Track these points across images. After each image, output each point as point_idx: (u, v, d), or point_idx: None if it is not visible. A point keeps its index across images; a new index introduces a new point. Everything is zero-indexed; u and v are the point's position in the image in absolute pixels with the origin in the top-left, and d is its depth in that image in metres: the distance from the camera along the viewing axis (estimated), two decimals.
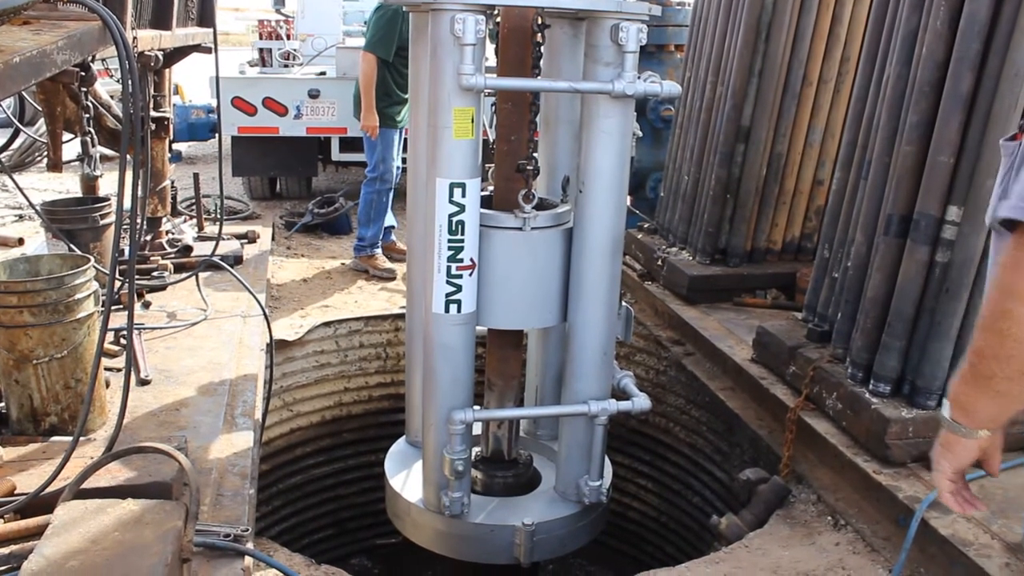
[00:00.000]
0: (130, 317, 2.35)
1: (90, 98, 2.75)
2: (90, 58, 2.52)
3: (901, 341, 3.25)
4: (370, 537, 5.34)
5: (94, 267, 2.93)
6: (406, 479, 3.33)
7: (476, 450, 3.30)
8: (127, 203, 2.18)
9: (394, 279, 6.04)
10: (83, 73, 2.65)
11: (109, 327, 3.38)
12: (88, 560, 1.85)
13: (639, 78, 2.68)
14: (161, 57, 3.52)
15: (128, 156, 1.99)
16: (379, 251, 6.30)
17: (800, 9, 4.73)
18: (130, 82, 1.87)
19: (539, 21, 2.92)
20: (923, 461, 3.13)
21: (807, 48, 4.77)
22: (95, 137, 2.86)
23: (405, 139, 6.05)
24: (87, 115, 2.76)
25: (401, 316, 5.14)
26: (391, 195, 6.30)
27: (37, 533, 2.22)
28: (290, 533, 4.95)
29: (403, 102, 5.96)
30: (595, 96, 2.73)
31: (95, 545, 1.90)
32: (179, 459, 2.12)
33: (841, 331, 3.62)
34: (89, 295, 2.86)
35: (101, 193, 4.46)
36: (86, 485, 2.29)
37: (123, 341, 3.46)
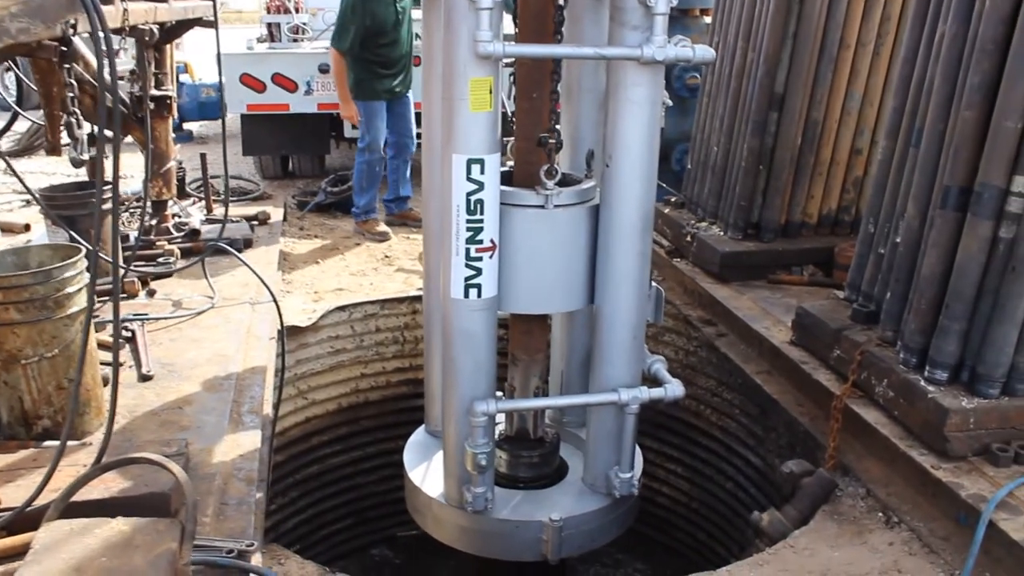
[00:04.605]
0: (115, 311, 2.15)
1: (73, 76, 2.55)
2: (71, 32, 2.32)
3: (960, 324, 3.02)
4: (391, 527, 5.22)
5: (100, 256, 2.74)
6: (426, 472, 3.23)
7: (500, 428, 3.17)
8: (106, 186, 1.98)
9: (388, 240, 6.26)
10: (63, 48, 2.46)
11: (104, 320, 3.23)
12: None
13: (669, 43, 2.53)
14: (157, 31, 3.31)
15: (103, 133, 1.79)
16: (375, 216, 6.49)
17: None
18: (105, 58, 1.66)
19: None
20: (985, 455, 2.92)
21: (844, 9, 4.55)
22: (80, 118, 2.68)
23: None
24: (70, 94, 2.57)
25: (418, 298, 4.98)
26: (385, 165, 6.49)
27: (23, 552, 2.05)
28: (308, 524, 4.83)
29: (388, 76, 6.16)
30: (622, 63, 2.60)
31: (79, 574, 1.72)
32: (174, 472, 1.93)
33: (891, 312, 3.40)
34: (80, 289, 2.68)
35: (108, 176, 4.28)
36: (78, 496, 2.11)
37: (123, 334, 3.29)
